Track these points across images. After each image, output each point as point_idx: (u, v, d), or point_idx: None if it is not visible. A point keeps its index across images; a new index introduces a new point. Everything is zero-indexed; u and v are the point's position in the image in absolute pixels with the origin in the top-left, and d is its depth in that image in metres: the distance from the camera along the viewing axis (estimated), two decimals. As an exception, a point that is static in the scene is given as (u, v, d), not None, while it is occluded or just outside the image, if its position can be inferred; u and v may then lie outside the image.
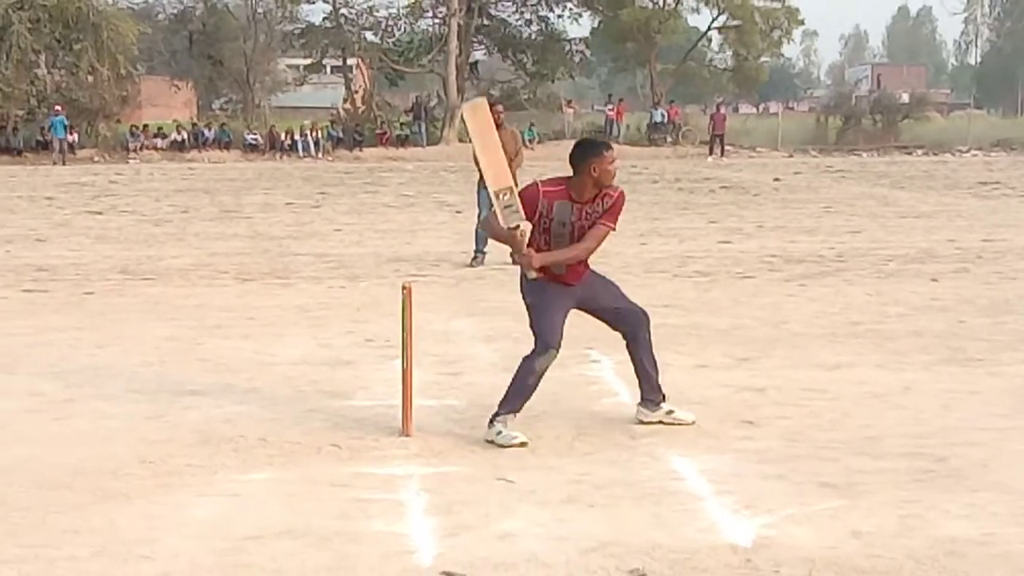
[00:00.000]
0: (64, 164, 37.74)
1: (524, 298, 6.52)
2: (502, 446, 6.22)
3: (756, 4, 49.60)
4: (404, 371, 6.43)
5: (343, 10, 48.50)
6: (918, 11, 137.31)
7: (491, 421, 6.36)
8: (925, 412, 6.95)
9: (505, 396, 6.42)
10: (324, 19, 49.14)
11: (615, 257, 13.22)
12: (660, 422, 6.63)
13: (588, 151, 6.38)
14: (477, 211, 13.74)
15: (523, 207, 6.25)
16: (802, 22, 51.84)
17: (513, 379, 6.46)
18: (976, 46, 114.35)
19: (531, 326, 6.48)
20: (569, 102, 49.48)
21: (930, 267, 13.31)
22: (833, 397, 7.30)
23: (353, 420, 6.76)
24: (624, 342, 6.68)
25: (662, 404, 6.70)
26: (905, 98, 51.31)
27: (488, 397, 6.91)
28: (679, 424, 6.62)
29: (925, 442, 6.28)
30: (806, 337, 9.32)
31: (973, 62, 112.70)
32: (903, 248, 15.05)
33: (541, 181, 6.42)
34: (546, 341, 6.38)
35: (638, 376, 6.73)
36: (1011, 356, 8.53)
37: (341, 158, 41.53)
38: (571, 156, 6.44)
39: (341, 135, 43.73)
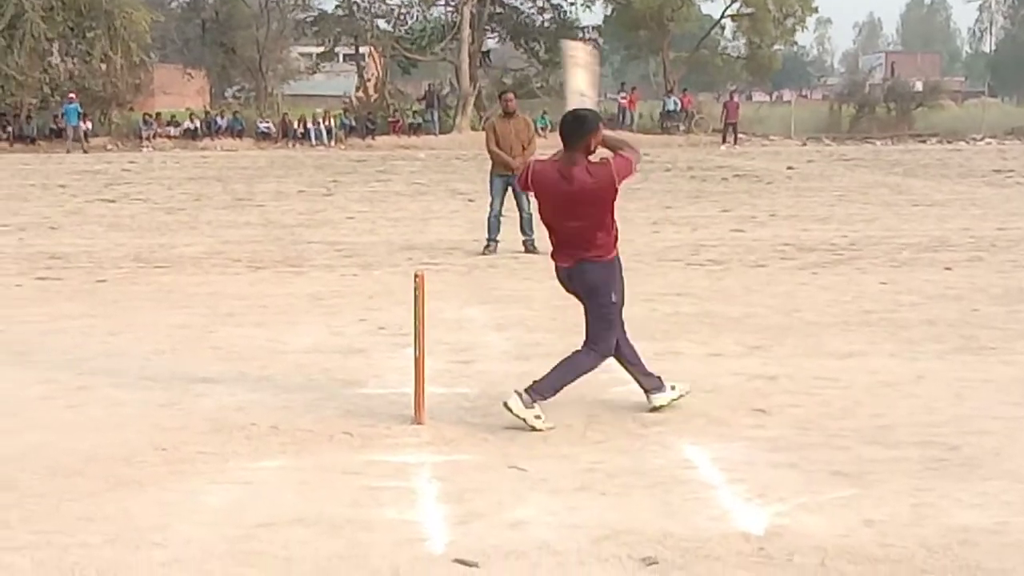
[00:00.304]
0: (85, 152, 37.81)
1: (609, 291, 6.48)
2: (538, 429, 6.24)
3: (769, -9, 49.43)
4: (416, 359, 6.44)
5: (356, -2, 48.49)
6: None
7: (529, 396, 6.31)
8: (938, 401, 6.94)
9: (548, 381, 6.41)
10: (336, 7, 49.13)
11: (627, 245, 13.14)
12: (672, 401, 6.67)
13: (588, 127, 6.40)
14: (490, 199, 13.73)
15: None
16: (816, 10, 51.66)
17: (563, 368, 6.48)
18: (991, 34, 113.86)
19: (600, 324, 6.49)
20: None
21: (944, 255, 13.27)
22: (845, 386, 7.29)
23: (365, 408, 6.77)
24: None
25: (665, 385, 6.73)
26: (919, 86, 51.15)
27: (500, 385, 6.92)
28: (684, 396, 6.72)
29: (937, 431, 6.27)
30: (818, 326, 9.30)
31: (987, 50, 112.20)
32: (916, 236, 15.01)
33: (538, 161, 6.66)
34: (611, 349, 6.56)
35: (634, 367, 6.72)
36: (1025, 345, 8.51)
37: (353, 146, 41.54)
38: (567, 131, 6.42)
39: (353, 123, 43.72)
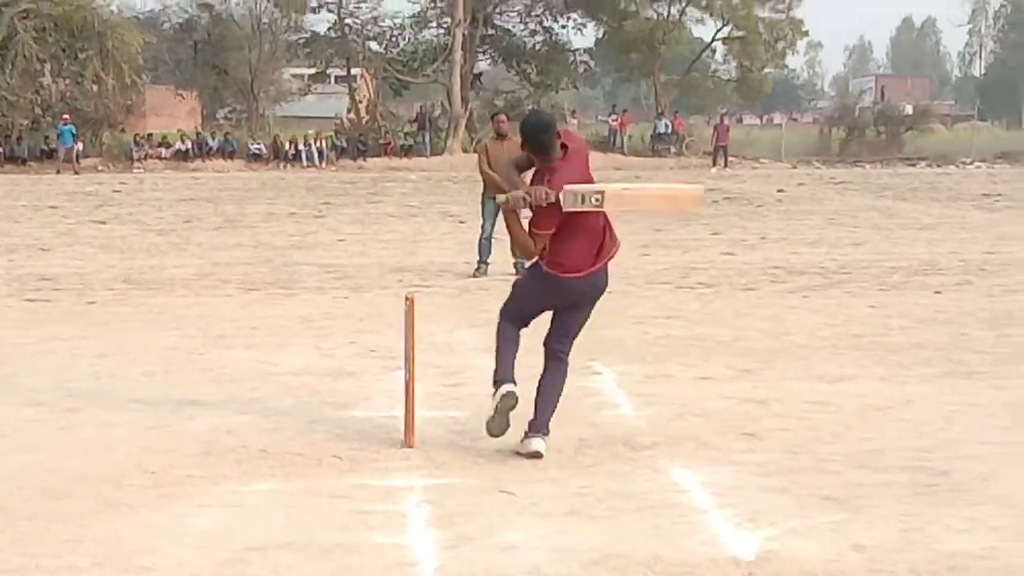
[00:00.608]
0: (76, 173, 37.76)
1: (523, 279, 6.62)
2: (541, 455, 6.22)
3: (760, 15, 49.68)
4: (407, 382, 6.44)
5: (348, 20, 48.58)
6: (922, 22, 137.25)
7: (544, 433, 6.28)
8: (927, 425, 6.95)
9: (544, 412, 6.34)
10: (329, 29, 49.22)
11: (616, 267, 13.19)
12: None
13: (552, 125, 6.32)
14: (481, 221, 13.74)
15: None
16: (806, 33, 51.88)
17: (550, 394, 6.40)
18: (980, 58, 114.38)
19: (579, 333, 6.49)
20: (573, 112, 49.49)
21: (933, 279, 13.30)
22: (835, 410, 7.30)
23: (355, 431, 6.76)
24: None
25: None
26: (909, 109, 51.36)
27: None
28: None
29: (927, 455, 6.28)
30: (808, 349, 9.32)
31: (977, 74, 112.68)
32: (906, 260, 15.05)
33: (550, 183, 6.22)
34: None
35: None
36: (1013, 369, 8.52)
37: (345, 168, 41.57)
38: (543, 137, 6.21)
39: (345, 145, 43.77)
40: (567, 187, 6.05)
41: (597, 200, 6.05)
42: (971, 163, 44.31)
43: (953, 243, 17.18)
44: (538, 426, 6.29)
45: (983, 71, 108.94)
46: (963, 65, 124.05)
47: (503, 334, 6.50)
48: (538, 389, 6.43)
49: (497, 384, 6.33)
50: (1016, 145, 48.94)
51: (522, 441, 6.27)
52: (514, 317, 6.51)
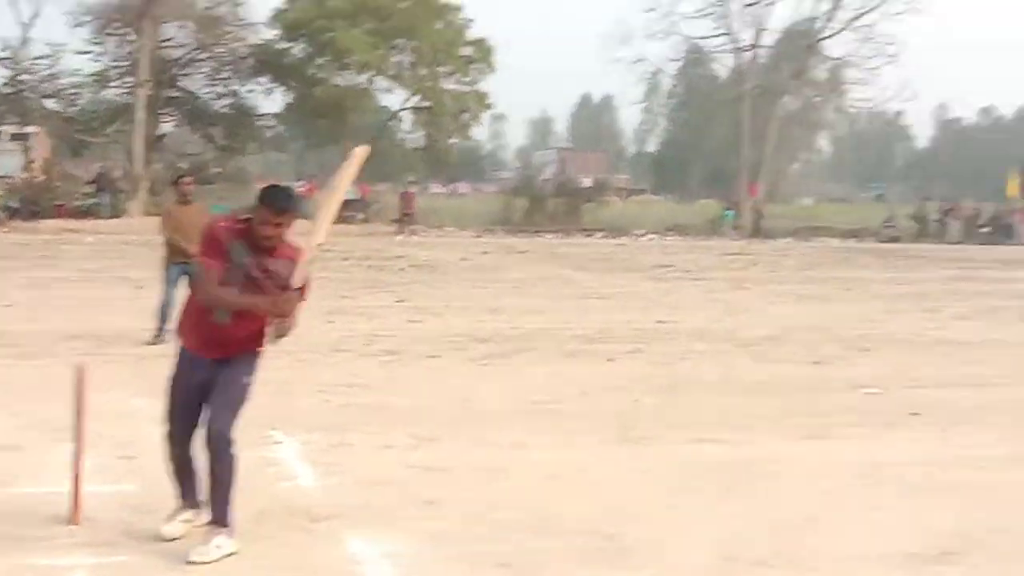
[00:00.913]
0: None
1: (251, 377, 6.12)
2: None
3: (446, 87, 50.72)
4: (75, 455, 6.17)
5: (23, 76, 46.64)
6: (600, 99, 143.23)
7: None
8: (599, 490, 7.18)
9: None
10: (3, 84, 47.11)
11: (300, 336, 13.08)
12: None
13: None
14: (163, 287, 13.35)
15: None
16: (490, 106, 53.23)
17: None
18: (654, 135, 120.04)
19: (239, 409, 6.07)
20: (259, 177, 49.00)
21: (608, 347, 13.79)
22: (513, 476, 7.45)
23: (17, 508, 6.41)
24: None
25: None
26: (587, 182, 53.38)
27: (164, 481, 6.68)
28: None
29: (598, 520, 6.48)
30: (489, 416, 9.48)
31: (651, 150, 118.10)
32: (583, 328, 15.55)
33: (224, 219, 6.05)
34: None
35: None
36: (680, 435, 8.91)
37: (17, 229, 39.65)
38: (288, 204, 5.98)
39: (18, 205, 41.80)
40: (295, 275, 5.94)
41: (319, 248, 6.05)
42: (645, 235, 46.38)
43: (627, 312, 17.88)
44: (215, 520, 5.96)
45: (657, 148, 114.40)
46: (638, 141, 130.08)
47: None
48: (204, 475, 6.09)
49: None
50: (686, 218, 51.64)
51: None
52: None
